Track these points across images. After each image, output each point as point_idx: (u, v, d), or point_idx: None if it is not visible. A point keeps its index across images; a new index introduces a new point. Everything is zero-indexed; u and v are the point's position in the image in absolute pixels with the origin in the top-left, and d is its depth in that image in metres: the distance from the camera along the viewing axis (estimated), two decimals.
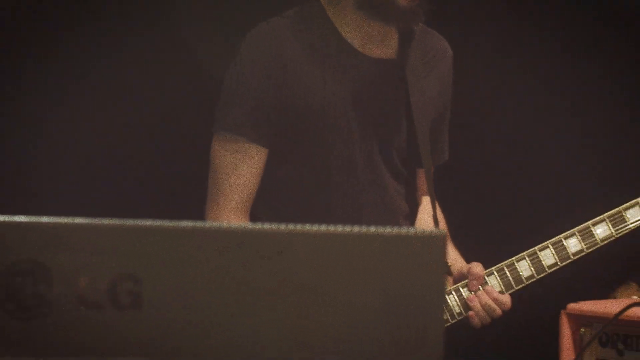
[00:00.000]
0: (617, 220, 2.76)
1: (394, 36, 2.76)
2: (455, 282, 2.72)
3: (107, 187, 4.71)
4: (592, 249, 2.75)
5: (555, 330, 2.98)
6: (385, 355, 1.25)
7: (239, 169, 2.66)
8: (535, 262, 2.73)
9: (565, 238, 2.74)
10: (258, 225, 1.23)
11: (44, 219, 1.21)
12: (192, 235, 1.22)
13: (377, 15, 2.60)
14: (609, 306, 3.13)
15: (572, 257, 2.73)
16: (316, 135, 2.67)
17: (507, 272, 2.71)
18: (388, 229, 1.26)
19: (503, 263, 2.73)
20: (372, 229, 1.27)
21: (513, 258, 2.73)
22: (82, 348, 1.20)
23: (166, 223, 1.21)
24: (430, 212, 2.79)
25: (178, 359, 1.19)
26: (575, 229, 2.76)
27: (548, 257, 2.72)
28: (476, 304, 2.68)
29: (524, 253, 2.74)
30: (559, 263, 2.73)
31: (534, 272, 2.72)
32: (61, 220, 1.21)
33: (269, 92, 2.64)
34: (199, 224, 1.21)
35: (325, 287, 1.24)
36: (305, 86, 2.66)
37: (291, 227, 1.24)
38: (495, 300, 2.68)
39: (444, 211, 2.98)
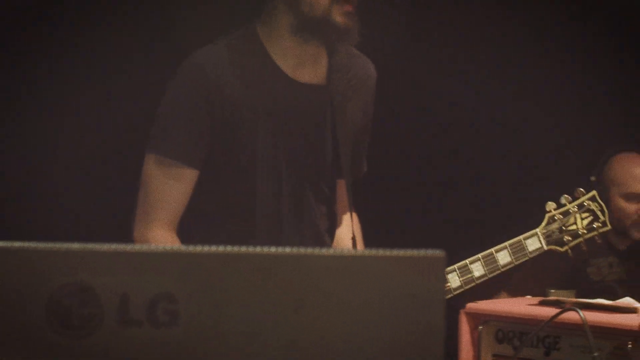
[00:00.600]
0: (517, 248, 2.98)
1: (324, 62, 2.88)
2: None
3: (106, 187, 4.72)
4: (493, 274, 2.97)
5: (454, 330, 3.20)
6: None
7: (171, 190, 2.77)
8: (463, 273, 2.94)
9: (470, 263, 2.94)
10: (280, 250, 1.37)
11: (90, 246, 1.32)
12: (226, 258, 1.35)
13: (314, 35, 2.73)
14: (504, 305, 3.37)
15: (475, 281, 2.94)
16: (245, 161, 2.79)
17: None
18: (389, 251, 1.42)
19: None
20: (376, 251, 1.42)
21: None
22: None
23: (201, 248, 1.33)
24: (349, 226, 2.97)
25: None
26: (479, 254, 2.97)
27: (454, 280, 2.93)
28: None
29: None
30: (463, 286, 2.93)
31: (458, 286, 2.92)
32: (106, 246, 1.32)
33: (205, 118, 2.75)
34: (230, 249, 1.34)
35: (332, 306, 1.38)
36: (239, 113, 2.76)
37: (308, 250, 1.39)
38: None
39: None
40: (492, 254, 2.95)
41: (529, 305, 3.29)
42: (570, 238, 2.99)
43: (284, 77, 2.80)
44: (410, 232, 4.74)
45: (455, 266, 2.93)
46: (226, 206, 2.84)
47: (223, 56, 2.78)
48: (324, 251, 1.39)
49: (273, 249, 1.34)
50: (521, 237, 2.97)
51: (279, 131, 2.80)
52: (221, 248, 1.34)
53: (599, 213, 3.03)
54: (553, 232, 2.98)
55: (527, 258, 2.97)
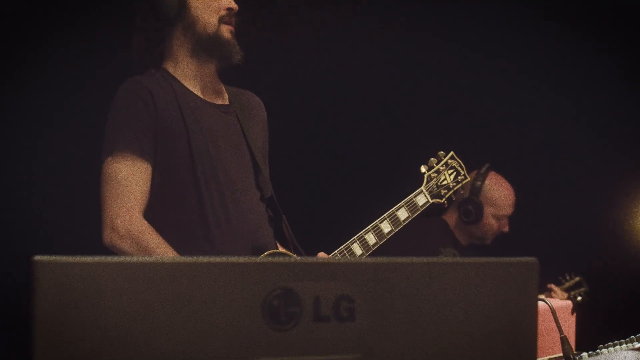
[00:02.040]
0: (411, 205, 3.49)
1: (223, 90, 3.36)
2: None
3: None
4: (398, 229, 3.46)
5: None
6: None
7: (137, 179, 3.10)
8: (363, 243, 3.36)
9: (380, 222, 3.41)
10: (399, 259, 1.73)
11: (292, 258, 1.64)
12: (389, 267, 1.70)
13: (208, 52, 3.21)
14: None
15: (386, 236, 3.41)
16: (186, 168, 3.18)
17: (346, 253, 3.32)
18: (488, 259, 1.80)
19: (342, 246, 3.34)
20: (470, 259, 1.80)
21: (348, 242, 3.36)
22: (317, 349, 1.64)
23: (374, 259, 1.69)
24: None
25: (383, 357, 1.67)
26: (385, 214, 3.44)
27: (370, 238, 3.37)
28: None
29: (355, 237, 3.38)
30: (378, 242, 3.38)
31: (364, 251, 3.36)
32: (304, 258, 1.65)
33: (147, 119, 3.12)
34: (392, 259, 1.70)
35: (433, 312, 1.74)
36: (171, 124, 3.16)
37: (414, 259, 1.75)
38: None
39: None
40: (393, 212, 3.44)
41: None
42: (445, 191, 3.56)
43: (197, 98, 3.24)
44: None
45: (369, 226, 3.40)
46: (171, 206, 3.18)
47: (152, 81, 3.20)
48: (440, 259, 1.76)
49: (427, 260, 1.71)
50: (411, 195, 3.49)
51: (208, 140, 3.22)
52: (386, 259, 1.69)
53: (459, 168, 3.61)
54: (433, 188, 3.53)
55: (419, 212, 3.49)
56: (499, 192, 4.72)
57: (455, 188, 3.60)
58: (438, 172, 3.56)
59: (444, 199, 3.59)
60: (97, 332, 1.53)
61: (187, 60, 3.25)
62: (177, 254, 3.01)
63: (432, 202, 3.54)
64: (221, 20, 3.22)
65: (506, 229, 4.78)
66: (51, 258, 1.52)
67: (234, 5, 3.25)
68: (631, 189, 5.67)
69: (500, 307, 1.78)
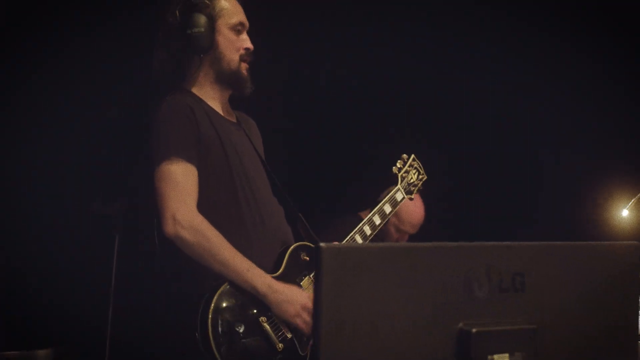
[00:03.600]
0: (392, 200, 3.96)
1: (232, 111, 3.74)
2: None
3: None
4: (385, 220, 3.89)
5: None
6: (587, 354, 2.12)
7: (190, 180, 3.36)
8: (362, 234, 3.78)
9: (372, 215, 3.85)
10: (553, 243, 2.11)
11: (482, 244, 1.99)
12: (540, 249, 2.08)
13: (229, 83, 3.61)
14: None
15: (377, 227, 3.85)
16: (224, 175, 3.48)
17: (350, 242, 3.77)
18: (596, 242, 2.19)
19: (348, 236, 3.78)
20: (584, 243, 2.20)
21: (352, 233, 3.77)
22: (503, 315, 1.98)
23: (522, 243, 2.05)
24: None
25: (550, 324, 2.03)
26: (374, 209, 3.88)
27: (367, 229, 3.81)
28: None
29: (356, 229, 3.79)
30: (372, 232, 3.83)
31: (363, 240, 3.78)
32: (486, 243, 1.99)
33: (192, 131, 3.41)
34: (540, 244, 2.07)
35: (574, 285, 2.12)
36: (208, 136, 3.46)
37: (562, 243, 2.13)
38: None
39: None
40: (381, 207, 3.89)
41: None
42: (413, 188, 4.05)
43: (220, 116, 3.61)
44: None
45: (365, 220, 3.83)
46: (212, 207, 3.43)
47: (185, 98, 3.51)
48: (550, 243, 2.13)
49: (570, 243, 2.10)
50: (392, 192, 3.96)
51: (235, 150, 3.56)
52: (545, 243, 2.07)
53: (419, 168, 4.11)
54: (405, 186, 4.02)
55: (398, 206, 3.97)
56: (408, 211, 5.21)
57: (419, 185, 4.06)
58: (407, 171, 4.03)
59: (412, 195, 4.05)
60: (368, 303, 1.83)
61: (210, 86, 3.61)
62: (228, 242, 3.29)
63: (405, 198, 4.00)
64: (241, 59, 3.61)
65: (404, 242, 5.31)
66: (333, 245, 1.82)
67: (251, 46, 3.64)
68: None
69: (611, 282, 2.18)
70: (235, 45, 3.60)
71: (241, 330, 3.22)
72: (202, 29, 3.52)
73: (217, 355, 3.14)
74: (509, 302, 2.01)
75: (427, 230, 5.35)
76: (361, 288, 1.84)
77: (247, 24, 3.67)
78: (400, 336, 1.89)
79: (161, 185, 3.32)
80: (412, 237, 5.16)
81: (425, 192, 4.25)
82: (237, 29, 3.62)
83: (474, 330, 1.94)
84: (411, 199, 4.04)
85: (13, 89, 4.75)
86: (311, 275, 3.48)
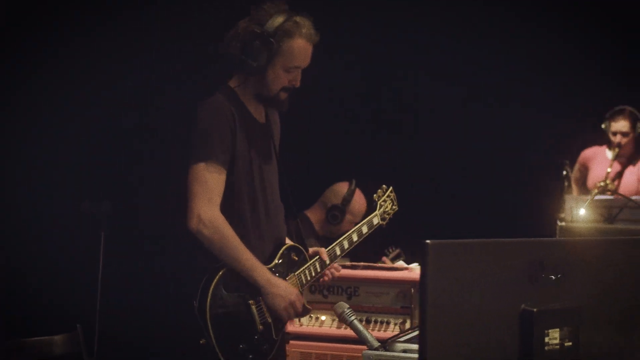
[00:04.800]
0: (369, 223, 4.30)
1: (264, 110, 4.04)
2: (311, 257, 4.05)
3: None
4: (361, 239, 4.25)
5: None
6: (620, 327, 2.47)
7: (219, 184, 3.75)
8: (341, 247, 4.16)
9: (351, 233, 4.21)
10: (585, 239, 2.52)
11: (533, 240, 2.38)
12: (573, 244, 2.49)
13: (268, 104, 3.97)
14: None
15: (354, 243, 4.21)
16: (244, 172, 3.85)
17: (331, 253, 4.12)
18: (623, 238, 2.61)
19: (329, 247, 4.13)
20: (616, 238, 2.61)
21: (332, 245, 4.14)
22: (555, 298, 2.38)
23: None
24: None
25: (590, 304, 2.43)
26: (354, 227, 4.27)
27: (345, 244, 4.18)
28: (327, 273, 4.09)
29: (335, 243, 4.15)
30: (350, 246, 4.19)
31: (341, 252, 4.14)
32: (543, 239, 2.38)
33: (229, 136, 3.78)
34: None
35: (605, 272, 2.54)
36: (243, 142, 3.83)
37: (592, 238, 2.55)
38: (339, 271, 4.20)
39: None
40: (359, 227, 4.24)
41: None
42: (387, 216, 4.37)
43: (254, 120, 3.95)
44: None
45: (344, 236, 4.18)
46: (241, 207, 3.86)
47: (226, 101, 3.83)
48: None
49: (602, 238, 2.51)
50: (370, 216, 4.30)
51: (260, 152, 3.94)
52: (581, 239, 2.47)
53: (394, 200, 4.43)
54: (381, 213, 4.33)
55: (373, 229, 4.29)
56: (358, 204, 5.61)
57: (391, 214, 4.38)
58: (385, 200, 4.36)
59: (385, 222, 4.37)
60: (459, 289, 2.21)
61: (250, 97, 3.91)
62: (241, 242, 3.74)
63: (378, 224, 4.32)
64: (282, 89, 3.87)
65: None
66: (440, 241, 2.19)
67: (298, 84, 3.90)
68: None
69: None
70: (281, 81, 3.84)
71: (231, 305, 3.72)
72: (258, 63, 3.78)
73: (209, 319, 3.63)
74: (559, 287, 2.40)
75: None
76: (455, 277, 2.21)
77: (305, 65, 3.90)
78: (479, 316, 2.27)
79: (193, 184, 3.72)
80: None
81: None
82: (290, 70, 3.85)
83: (535, 310, 2.33)
84: (380, 227, 4.35)
85: (7, 91, 4.86)
86: (296, 273, 3.96)
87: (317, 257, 4.04)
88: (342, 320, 3.42)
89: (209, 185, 3.71)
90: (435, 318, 2.19)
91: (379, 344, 3.17)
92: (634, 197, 6.25)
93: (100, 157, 5.65)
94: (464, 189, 7.25)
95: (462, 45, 6.99)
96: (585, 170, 7.25)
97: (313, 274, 4.02)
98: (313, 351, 4.66)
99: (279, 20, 3.80)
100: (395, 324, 4.63)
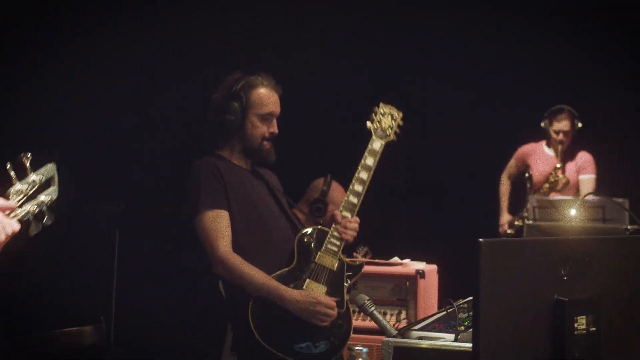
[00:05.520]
0: (372, 151, 4.27)
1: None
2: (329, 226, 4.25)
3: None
4: (371, 173, 4.25)
5: None
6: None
7: (223, 223, 4.10)
8: (354, 192, 4.24)
9: (358, 174, 4.24)
10: (612, 236, 2.82)
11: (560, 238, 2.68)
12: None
13: (255, 157, 4.31)
14: None
15: (366, 181, 4.24)
16: (250, 205, 4.20)
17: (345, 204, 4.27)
18: None
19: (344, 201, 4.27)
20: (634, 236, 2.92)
21: (345, 197, 4.27)
22: (581, 289, 2.68)
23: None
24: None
25: (610, 295, 2.73)
26: (359, 167, 4.25)
27: (358, 187, 4.24)
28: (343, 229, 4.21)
29: (348, 191, 4.26)
30: (363, 187, 4.25)
31: (357, 198, 4.24)
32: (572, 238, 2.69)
33: (220, 185, 4.12)
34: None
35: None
36: (233, 183, 4.18)
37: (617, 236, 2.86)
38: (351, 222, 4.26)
39: None
40: (364, 162, 4.26)
41: None
42: (389, 130, 4.32)
43: (242, 169, 4.29)
44: None
45: (353, 179, 4.26)
46: (252, 239, 4.18)
47: (214, 160, 4.22)
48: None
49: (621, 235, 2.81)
50: (368, 145, 4.29)
51: (253, 186, 4.29)
52: (605, 236, 2.78)
53: (391, 110, 4.38)
54: (380, 133, 4.29)
55: (379, 154, 4.27)
56: (337, 193, 5.85)
57: (395, 124, 4.36)
58: (379, 121, 4.32)
59: (392, 136, 4.33)
60: (507, 283, 2.51)
61: (237, 154, 4.30)
62: (259, 271, 4.03)
63: (385, 142, 4.30)
64: (263, 139, 4.25)
65: None
66: (493, 240, 2.48)
67: (276, 131, 4.27)
68: None
69: None
70: (260, 131, 4.23)
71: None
72: (233, 117, 4.21)
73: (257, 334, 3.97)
74: (583, 280, 2.71)
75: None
76: (501, 271, 2.51)
77: (277, 112, 4.28)
78: (520, 305, 2.56)
79: (202, 234, 4.09)
80: None
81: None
82: (265, 118, 4.24)
83: (566, 299, 2.63)
84: (394, 142, 4.34)
85: (15, 89, 4.95)
86: (322, 250, 4.17)
87: (332, 221, 4.23)
88: (363, 310, 3.68)
89: (220, 230, 4.07)
90: (486, 306, 2.47)
91: (397, 331, 3.45)
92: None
93: (108, 158, 5.81)
94: (470, 192, 7.59)
95: (470, 49, 7.21)
96: (522, 166, 7.61)
97: (338, 237, 4.20)
98: None
99: (242, 80, 4.27)
100: (392, 315, 4.92)
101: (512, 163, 7.69)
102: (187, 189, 4.15)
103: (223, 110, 4.22)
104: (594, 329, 2.69)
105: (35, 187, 2.65)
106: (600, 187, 7.08)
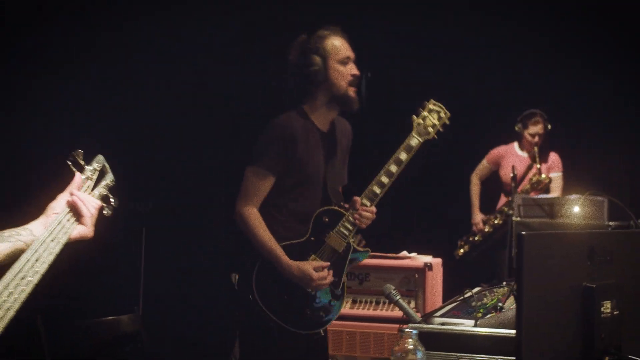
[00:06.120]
0: (408, 147, 4.41)
1: (334, 122, 4.56)
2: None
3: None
4: (402, 166, 4.40)
5: None
6: None
7: (262, 186, 4.35)
8: (379, 183, 4.37)
9: (388, 165, 4.38)
10: (605, 232, 3.10)
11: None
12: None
13: (341, 104, 4.46)
14: None
15: (394, 174, 4.37)
16: (305, 172, 4.40)
17: (369, 194, 4.41)
18: None
19: (367, 189, 4.38)
20: None
21: (370, 186, 4.39)
22: (605, 277, 2.95)
23: None
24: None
25: (629, 282, 3.01)
26: (390, 159, 4.38)
27: (384, 179, 4.37)
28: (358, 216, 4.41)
29: (374, 181, 4.38)
30: (389, 180, 4.38)
31: (381, 189, 4.38)
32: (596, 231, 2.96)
33: (286, 150, 4.33)
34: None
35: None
36: (302, 150, 4.37)
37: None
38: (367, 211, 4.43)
39: None
40: (397, 156, 4.40)
41: None
42: (431, 129, 4.45)
43: (319, 130, 4.47)
44: None
45: (382, 170, 4.37)
46: (285, 199, 4.41)
47: (294, 118, 4.40)
48: None
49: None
50: (406, 140, 4.43)
51: (319, 157, 4.46)
52: (628, 230, 3.06)
53: (440, 109, 4.48)
54: (420, 130, 4.43)
55: (414, 152, 4.38)
56: None
57: (440, 123, 4.47)
58: (424, 117, 4.45)
59: (432, 135, 4.45)
60: (546, 272, 2.78)
61: (322, 108, 4.43)
62: (271, 235, 4.28)
63: (423, 140, 4.42)
64: (349, 84, 4.39)
65: None
66: (535, 233, 2.75)
67: (358, 72, 4.41)
68: None
69: None
70: (343, 74, 4.38)
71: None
72: (317, 67, 4.36)
73: (255, 289, 4.23)
74: (608, 268, 2.97)
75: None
76: (538, 260, 2.77)
77: (352, 56, 4.41)
78: (554, 291, 2.82)
79: (243, 183, 4.35)
80: None
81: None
82: (344, 62, 4.38)
83: (594, 285, 2.89)
84: (433, 138, 4.46)
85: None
86: (334, 230, 4.37)
87: (351, 206, 4.40)
88: (389, 298, 3.93)
89: (253, 186, 4.32)
90: (528, 291, 2.73)
91: (421, 318, 3.70)
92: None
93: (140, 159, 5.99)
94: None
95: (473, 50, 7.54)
96: (494, 166, 8.00)
97: (352, 222, 4.38)
98: (330, 328, 5.19)
99: (312, 37, 4.43)
100: None
101: (484, 164, 8.07)
102: (258, 140, 4.38)
103: (305, 65, 4.37)
104: (617, 312, 2.93)
105: (96, 174, 2.90)
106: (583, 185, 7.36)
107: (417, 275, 5.21)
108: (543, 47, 7.71)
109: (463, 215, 7.72)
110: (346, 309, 5.21)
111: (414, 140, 4.36)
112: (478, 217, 7.98)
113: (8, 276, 2.41)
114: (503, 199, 7.86)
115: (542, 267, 2.77)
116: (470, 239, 7.99)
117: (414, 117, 4.42)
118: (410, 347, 2.88)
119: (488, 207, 7.98)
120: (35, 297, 2.34)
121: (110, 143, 5.41)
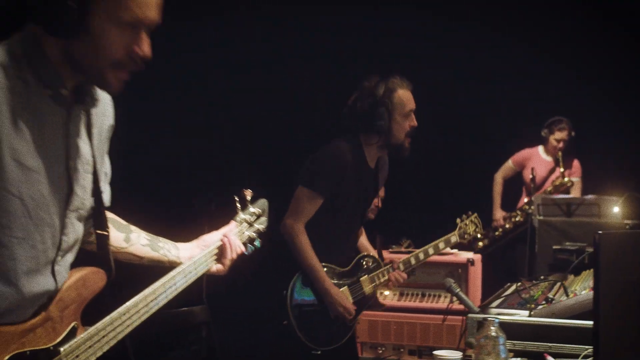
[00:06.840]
0: (447, 240, 4.90)
1: (377, 159, 4.78)
2: (386, 265, 4.80)
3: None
4: (437, 252, 4.89)
5: None
6: None
7: (313, 209, 4.55)
8: (417, 257, 4.85)
9: (428, 247, 4.87)
10: None
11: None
12: None
13: (395, 152, 4.71)
14: None
15: (430, 255, 4.86)
16: (339, 203, 4.62)
17: (407, 261, 4.84)
18: None
19: (408, 256, 4.85)
20: None
21: (410, 255, 4.85)
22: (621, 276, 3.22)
23: None
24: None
25: None
26: (432, 244, 4.88)
27: (421, 255, 4.85)
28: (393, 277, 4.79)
29: (414, 253, 4.85)
30: (424, 258, 4.86)
31: (416, 261, 4.83)
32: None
33: (339, 177, 4.54)
34: None
35: None
36: (350, 182, 4.59)
37: None
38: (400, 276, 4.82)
39: None
40: (437, 243, 4.86)
41: None
42: (467, 236, 4.94)
43: (367, 165, 4.69)
44: None
45: (422, 249, 4.87)
46: (321, 221, 4.62)
47: (349, 151, 4.58)
48: None
49: None
50: (449, 235, 4.90)
51: (362, 194, 4.72)
52: None
53: (478, 223, 5.00)
54: (461, 233, 4.91)
55: (450, 246, 4.90)
56: None
57: (472, 236, 4.98)
58: (466, 224, 4.94)
59: (465, 240, 4.96)
60: (617, 267, 3.04)
61: (374, 150, 4.68)
62: (313, 251, 4.51)
63: (458, 241, 4.92)
64: (406, 135, 4.60)
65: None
66: (611, 232, 2.99)
67: (416, 124, 4.59)
68: None
69: None
70: (404, 127, 4.59)
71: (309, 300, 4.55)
72: (383, 121, 4.54)
73: (289, 306, 4.46)
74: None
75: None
76: (611, 256, 3.01)
77: (414, 107, 4.60)
78: (630, 286, 3.03)
79: (294, 201, 4.57)
80: None
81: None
82: (407, 115, 4.58)
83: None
84: (463, 243, 4.99)
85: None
86: (370, 275, 4.70)
87: (390, 264, 4.76)
88: (449, 290, 4.15)
89: (306, 209, 4.53)
90: (604, 285, 2.97)
91: (479, 309, 3.93)
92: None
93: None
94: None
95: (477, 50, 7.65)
96: (519, 167, 8.25)
97: (385, 277, 4.74)
98: (379, 319, 5.50)
99: (381, 85, 4.58)
100: (445, 297, 5.48)
101: (509, 165, 8.33)
102: (311, 160, 4.58)
103: (373, 117, 4.55)
104: None
105: (255, 218, 3.13)
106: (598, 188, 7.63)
107: (460, 270, 5.48)
108: (572, 61, 7.88)
109: (483, 212, 7.91)
110: (394, 301, 5.47)
111: (454, 238, 4.84)
112: (499, 213, 8.24)
113: (140, 296, 2.60)
114: (525, 198, 8.11)
115: (616, 263, 2.97)
116: (490, 234, 8.25)
117: (459, 220, 4.88)
118: (493, 334, 3.10)
119: (507, 205, 8.23)
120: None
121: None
